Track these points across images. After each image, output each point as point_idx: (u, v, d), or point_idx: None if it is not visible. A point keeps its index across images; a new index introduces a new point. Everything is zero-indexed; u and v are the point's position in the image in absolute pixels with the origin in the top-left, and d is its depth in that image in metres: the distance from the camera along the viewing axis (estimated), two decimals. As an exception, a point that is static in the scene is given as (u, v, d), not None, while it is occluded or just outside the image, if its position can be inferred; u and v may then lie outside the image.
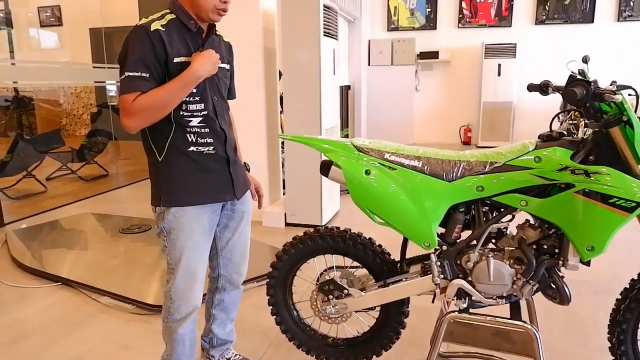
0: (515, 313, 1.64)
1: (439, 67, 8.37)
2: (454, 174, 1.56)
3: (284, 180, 4.14)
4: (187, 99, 1.53)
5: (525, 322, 1.58)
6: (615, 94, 1.33)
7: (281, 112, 4.47)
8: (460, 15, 8.15)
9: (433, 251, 1.64)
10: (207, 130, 1.59)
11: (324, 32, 3.64)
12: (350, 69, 8.18)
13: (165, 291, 1.69)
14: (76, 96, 8.98)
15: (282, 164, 4.28)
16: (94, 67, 6.57)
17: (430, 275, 1.65)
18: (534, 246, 1.55)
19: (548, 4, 7.81)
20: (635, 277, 1.58)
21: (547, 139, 1.51)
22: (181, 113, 1.54)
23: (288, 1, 3.60)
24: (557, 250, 1.53)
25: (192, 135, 1.56)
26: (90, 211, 4.46)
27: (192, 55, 1.50)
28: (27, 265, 3.12)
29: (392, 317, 1.83)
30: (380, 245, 1.82)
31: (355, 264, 1.87)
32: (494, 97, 7.77)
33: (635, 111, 1.41)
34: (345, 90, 7.88)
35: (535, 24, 7.90)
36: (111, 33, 6.53)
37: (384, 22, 8.55)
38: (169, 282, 1.66)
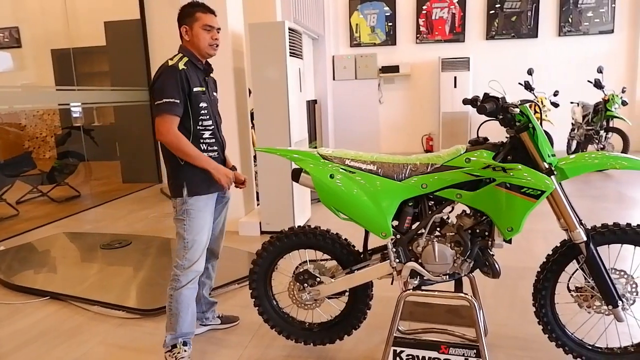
0: (458, 287, 1.98)
1: (400, 80, 8.87)
2: (403, 174, 1.90)
3: (257, 192, 4.42)
4: (202, 118, 2.13)
5: (466, 294, 1.91)
6: (517, 107, 1.70)
7: (252, 128, 4.76)
8: (418, 32, 8.69)
9: (389, 240, 1.96)
10: (213, 140, 2.19)
11: (290, 52, 3.97)
12: (316, 84, 8.56)
13: (176, 265, 2.17)
14: (39, 119, 8.96)
15: (255, 177, 4.56)
16: (57, 89, 6.65)
17: (388, 260, 1.97)
18: (469, 231, 1.90)
19: (497, 20, 8.44)
20: (551, 253, 1.95)
21: (475, 144, 1.87)
22: (198, 128, 2.13)
23: (255, 25, 3.92)
24: (487, 233, 1.88)
25: (204, 144, 2.15)
26: (66, 231, 4.58)
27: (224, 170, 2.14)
28: (13, 283, 3.26)
29: (359, 299, 2.14)
30: (346, 239, 2.13)
31: (326, 256, 2.17)
32: (451, 107, 8.30)
33: (541, 119, 1.78)
34: (312, 105, 8.24)
35: (486, 39, 8.51)
36: (77, 54, 6.67)
37: (347, 38, 9.01)
38: (183, 256, 2.15)
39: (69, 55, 6.39)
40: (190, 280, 2.17)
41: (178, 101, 2.02)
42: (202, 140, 2.14)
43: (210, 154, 2.17)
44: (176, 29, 2.17)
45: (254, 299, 2.26)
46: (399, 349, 2.00)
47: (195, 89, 2.08)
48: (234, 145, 4.22)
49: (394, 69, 8.68)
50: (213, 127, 2.18)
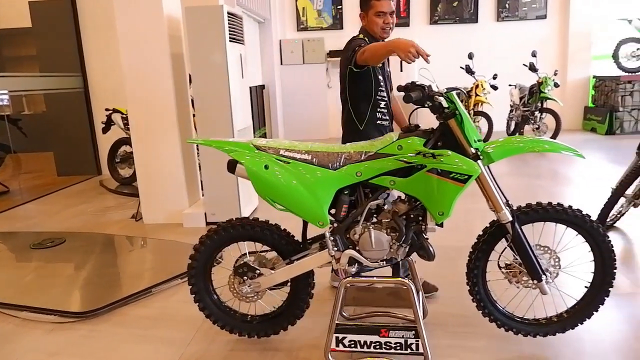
0: (396, 272, 2.02)
1: (346, 65, 8.86)
2: (338, 163, 1.91)
3: (201, 182, 4.31)
4: (380, 88, 2.40)
5: (403, 278, 1.96)
6: (442, 95, 1.74)
7: (194, 116, 4.61)
8: (363, 16, 8.70)
9: (327, 229, 1.97)
10: (386, 110, 2.44)
11: (230, 38, 3.86)
12: (263, 68, 8.41)
13: None
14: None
15: (199, 166, 4.44)
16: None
17: (327, 249, 1.98)
18: (404, 217, 1.93)
19: (440, 5, 8.59)
20: (481, 233, 2.03)
21: (407, 131, 1.89)
22: (377, 97, 2.39)
23: (192, 9, 3.77)
24: (420, 218, 1.93)
25: (379, 113, 2.42)
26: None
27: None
28: None
29: (301, 289, 2.14)
30: (285, 230, 2.11)
31: (266, 248, 2.15)
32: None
33: (468, 107, 1.82)
34: (259, 90, 8.11)
35: (430, 23, 8.66)
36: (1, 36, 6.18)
37: (294, 22, 8.89)
38: None
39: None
40: None
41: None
42: (378, 109, 2.39)
43: (384, 122, 2.42)
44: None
45: (194, 295, 2.21)
46: (341, 336, 2.03)
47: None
48: (174, 134, 4.09)
49: (341, 53, 8.65)
50: (387, 99, 2.43)
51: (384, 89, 2.43)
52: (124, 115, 5.28)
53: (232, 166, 1.99)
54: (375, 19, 2.34)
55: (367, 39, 2.38)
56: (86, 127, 6.42)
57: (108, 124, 5.47)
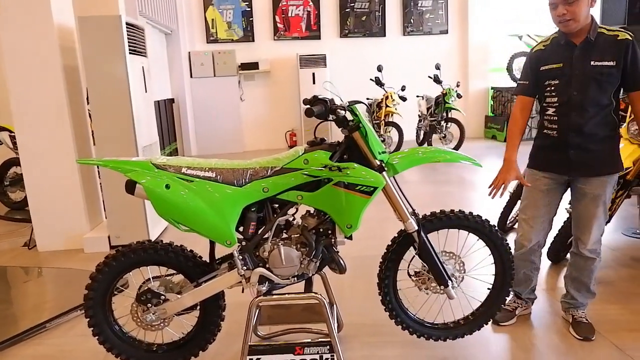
0: (308, 287, 1.99)
1: (260, 77, 8.83)
2: (243, 180, 1.84)
3: (104, 203, 4.00)
4: (547, 94, 2.18)
5: (315, 293, 1.93)
6: (344, 109, 1.76)
7: (92, 134, 4.29)
8: (276, 29, 8.73)
9: (235, 248, 1.89)
10: (555, 118, 2.16)
11: (130, 50, 3.65)
12: (172, 81, 8.10)
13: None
14: None
15: (101, 186, 4.12)
16: None
17: (236, 268, 1.90)
18: (314, 231, 1.91)
19: (349, 19, 8.87)
20: (390, 243, 2.07)
21: (313, 144, 1.88)
22: (543, 105, 2.21)
23: (86, 19, 3.51)
24: (330, 232, 1.92)
25: (546, 121, 2.21)
26: None
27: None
28: None
29: (211, 312, 2.03)
30: (191, 251, 2.00)
31: (171, 271, 2.02)
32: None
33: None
34: (168, 104, 7.78)
35: (340, 37, 8.90)
36: None
37: (203, 34, 8.67)
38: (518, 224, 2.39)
39: None
40: (516, 250, 2.34)
41: (525, 82, 2.22)
42: (545, 117, 2.21)
43: (549, 132, 2.20)
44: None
45: (92, 328, 2.01)
46: (255, 357, 1.95)
47: (543, 68, 2.15)
48: (69, 152, 3.75)
49: (254, 65, 8.60)
50: (557, 104, 2.14)
51: (554, 93, 2.14)
52: (13, 134, 4.78)
53: (131, 187, 1.85)
54: (551, 12, 2.08)
55: (554, 40, 2.16)
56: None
57: (-6, 143, 4.93)
